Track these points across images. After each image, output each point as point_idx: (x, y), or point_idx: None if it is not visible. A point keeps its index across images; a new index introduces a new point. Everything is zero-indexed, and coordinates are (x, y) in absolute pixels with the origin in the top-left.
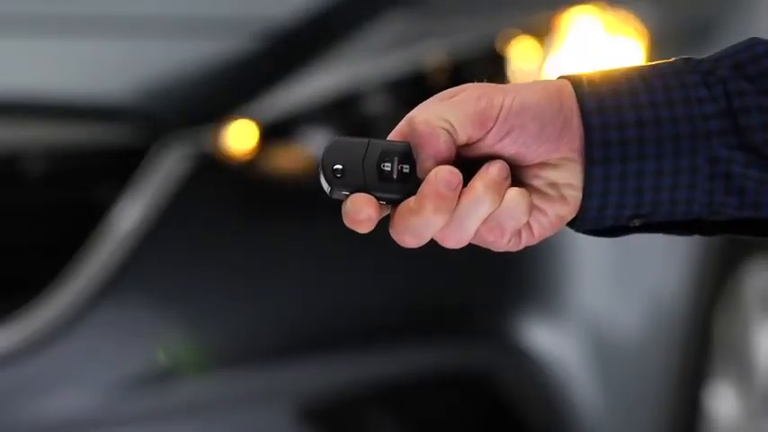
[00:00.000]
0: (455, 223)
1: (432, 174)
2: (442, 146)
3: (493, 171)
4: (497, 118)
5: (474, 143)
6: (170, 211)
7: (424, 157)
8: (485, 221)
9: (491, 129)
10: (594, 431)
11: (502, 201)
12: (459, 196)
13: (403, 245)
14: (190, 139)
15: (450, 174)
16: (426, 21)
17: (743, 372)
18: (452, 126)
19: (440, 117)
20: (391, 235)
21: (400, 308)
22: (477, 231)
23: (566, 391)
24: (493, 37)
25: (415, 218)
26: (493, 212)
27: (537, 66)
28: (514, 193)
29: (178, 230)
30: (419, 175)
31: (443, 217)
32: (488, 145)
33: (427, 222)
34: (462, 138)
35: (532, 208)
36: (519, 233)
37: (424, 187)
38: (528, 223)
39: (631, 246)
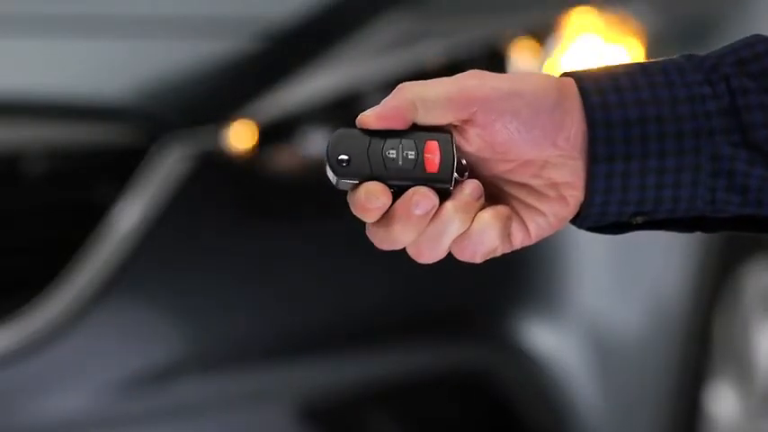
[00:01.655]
0: (425, 242)
1: (409, 192)
2: (392, 111)
3: (466, 191)
4: (487, 97)
5: (465, 126)
6: (170, 211)
7: (372, 109)
8: (456, 241)
9: (478, 108)
10: (594, 431)
11: (472, 223)
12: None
13: (378, 247)
14: (190, 139)
15: (424, 197)
16: (426, 21)
17: (743, 372)
18: (424, 102)
19: (417, 90)
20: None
21: (400, 308)
22: (450, 248)
23: (566, 391)
24: (493, 37)
25: (383, 231)
26: (464, 233)
27: (537, 66)
28: (487, 216)
29: (178, 230)
30: (358, 119)
31: (411, 236)
32: (480, 125)
33: (395, 238)
34: (435, 116)
35: (508, 229)
36: (508, 238)
37: (397, 204)
38: (525, 224)
39: (631, 245)
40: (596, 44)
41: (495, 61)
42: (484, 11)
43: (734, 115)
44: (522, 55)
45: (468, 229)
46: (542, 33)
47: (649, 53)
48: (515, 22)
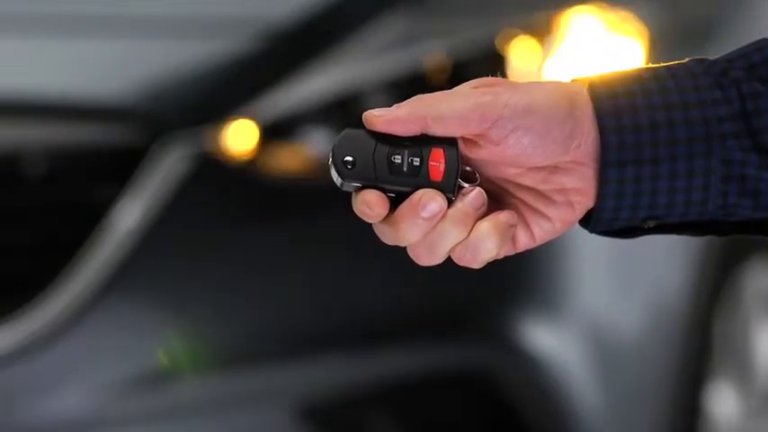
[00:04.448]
0: (424, 246)
1: (417, 195)
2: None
3: (466, 200)
4: (500, 115)
5: (478, 140)
6: (170, 211)
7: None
8: (454, 249)
9: (492, 125)
10: (594, 431)
11: (470, 232)
12: None
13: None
14: (190, 139)
15: (433, 201)
16: (426, 21)
17: (743, 372)
18: (437, 117)
19: (430, 104)
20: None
21: (400, 308)
22: (450, 254)
23: (566, 391)
24: (493, 37)
25: (389, 229)
26: (462, 241)
27: (537, 66)
28: (485, 226)
29: (178, 230)
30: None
31: (415, 236)
32: (493, 141)
33: (400, 237)
34: (447, 131)
35: (507, 238)
36: (511, 242)
37: (405, 205)
38: (530, 228)
39: (632, 245)
40: (597, 44)
41: (495, 61)
42: (484, 11)
43: (744, 120)
44: (522, 55)
45: (467, 238)
46: (542, 33)
47: (651, 53)
48: (515, 22)
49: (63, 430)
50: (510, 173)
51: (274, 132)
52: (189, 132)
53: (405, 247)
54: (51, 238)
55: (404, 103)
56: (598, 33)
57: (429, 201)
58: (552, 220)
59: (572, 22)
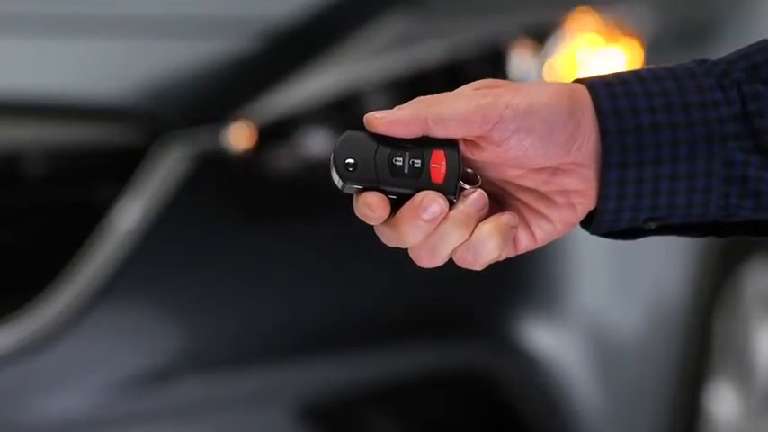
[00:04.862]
0: (426, 248)
1: (418, 197)
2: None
3: (468, 202)
4: (502, 117)
5: (479, 142)
6: (170, 211)
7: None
8: (455, 250)
9: (493, 127)
10: (594, 431)
11: (472, 234)
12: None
13: (386, 244)
14: (190, 139)
15: (434, 203)
16: (426, 21)
17: (743, 372)
18: (438, 119)
19: (431, 105)
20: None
21: (400, 308)
22: (451, 256)
23: (566, 391)
24: (493, 37)
25: (390, 231)
26: (464, 243)
27: (536, 67)
28: (487, 228)
29: (178, 230)
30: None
31: (416, 238)
32: (495, 143)
33: (402, 240)
34: (448, 132)
35: (509, 240)
36: (513, 243)
37: (406, 207)
38: (531, 229)
39: (631, 245)
40: (596, 45)
41: (495, 61)
42: (484, 11)
43: (745, 121)
44: (522, 55)
45: (468, 240)
46: (542, 33)
47: (649, 54)
48: (515, 22)
49: (63, 430)
50: (511, 174)
51: (274, 132)
52: (189, 132)
53: (405, 248)
54: (51, 238)
55: (405, 105)
56: (597, 34)
57: (430, 203)
58: (553, 221)
59: (571, 23)
